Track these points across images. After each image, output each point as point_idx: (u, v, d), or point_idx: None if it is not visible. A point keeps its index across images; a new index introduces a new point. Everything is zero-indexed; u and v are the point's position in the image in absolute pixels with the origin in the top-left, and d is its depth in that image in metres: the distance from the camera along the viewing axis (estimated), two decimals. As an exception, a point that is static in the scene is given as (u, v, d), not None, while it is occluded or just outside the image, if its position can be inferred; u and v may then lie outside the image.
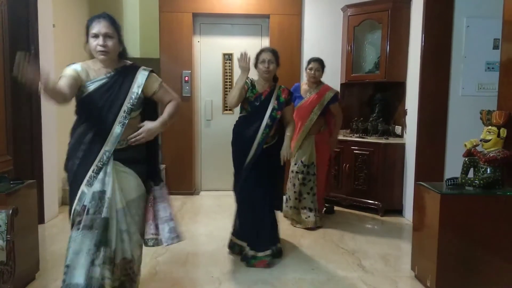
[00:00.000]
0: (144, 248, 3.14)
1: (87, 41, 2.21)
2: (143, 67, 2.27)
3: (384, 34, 4.36)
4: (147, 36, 6.78)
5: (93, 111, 2.15)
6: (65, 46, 4.63)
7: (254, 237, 3.06)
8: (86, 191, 2.11)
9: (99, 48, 2.14)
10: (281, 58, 5.11)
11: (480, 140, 2.67)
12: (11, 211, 2.17)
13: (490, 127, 2.64)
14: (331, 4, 4.91)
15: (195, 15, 5.01)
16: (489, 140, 2.62)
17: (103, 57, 2.17)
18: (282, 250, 3.25)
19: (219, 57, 5.21)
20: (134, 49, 7.04)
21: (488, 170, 2.59)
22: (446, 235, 2.49)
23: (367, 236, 3.70)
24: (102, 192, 2.10)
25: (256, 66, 3.13)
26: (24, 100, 3.72)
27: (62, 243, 3.44)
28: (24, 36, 3.69)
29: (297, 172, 3.86)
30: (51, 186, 4.07)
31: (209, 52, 5.20)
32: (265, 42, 5.13)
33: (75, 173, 2.19)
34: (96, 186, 2.10)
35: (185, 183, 5.07)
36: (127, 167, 2.18)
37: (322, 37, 4.99)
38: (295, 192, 3.89)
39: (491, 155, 2.57)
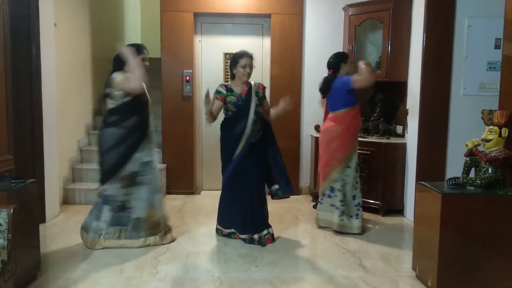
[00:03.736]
0: (145, 248, 3.19)
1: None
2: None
3: (385, 33, 4.35)
4: (148, 36, 6.79)
5: (141, 105, 3.32)
6: (66, 45, 4.63)
7: (245, 222, 3.43)
8: (138, 156, 3.28)
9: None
10: (282, 58, 5.15)
11: (482, 140, 2.66)
12: (12, 210, 2.17)
13: (491, 126, 2.63)
14: (333, 3, 4.91)
15: (196, 14, 5.01)
16: (490, 140, 2.61)
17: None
18: (274, 235, 3.53)
19: (220, 57, 5.20)
20: (135, 49, 7.05)
21: (490, 170, 2.59)
22: (447, 235, 2.49)
23: (368, 236, 3.70)
24: (149, 162, 3.33)
25: (233, 68, 3.46)
26: (25, 100, 3.72)
27: (64, 242, 3.45)
28: (26, 36, 3.69)
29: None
30: (52, 185, 4.08)
31: (211, 52, 5.20)
32: (267, 42, 5.13)
33: (130, 149, 3.26)
34: (145, 157, 3.31)
35: (186, 183, 5.07)
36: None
37: (323, 36, 4.98)
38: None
39: (493, 155, 2.57)
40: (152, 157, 3.38)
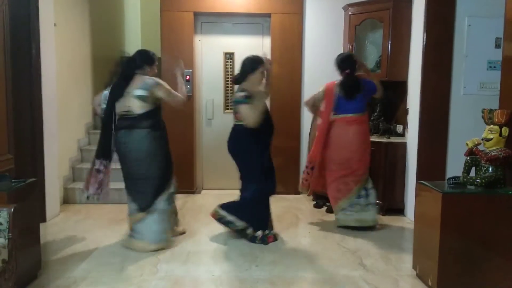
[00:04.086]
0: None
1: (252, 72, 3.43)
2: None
3: (385, 33, 4.35)
4: (148, 35, 6.78)
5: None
6: (66, 45, 4.63)
7: (263, 219, 3.53)
8: None
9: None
10: (282, 57, 5.15)
11: (482, 139, 2.66)
12: (12, 209, 2.17)
13: (492, 126, 2.63)
14: (333, 3, 4.91)
15: (196, 14, 5.01)
16: (491, 139, 2.61)
17: None
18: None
19: (220, 56, 5.21)
20: (135, 48, 7.03)
21: (490, 169, 2.59)
22: (447, 234, 2.49)
23: (369, 235, 3.70)
24: None
25: (250, 73, 3.41)
26: (25, 99, 3.72)
27: (64, 241, 3.45)
28: (26, 35, 3.69)
29: None
30: (53, 184, 4.08)
31: (211, 51, 5.20)
32: (267, 41, 5.13)
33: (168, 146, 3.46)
34: None
35: (186, 182, 5.07)
36: None
37: (323, 36, 4.98)
38: None
39: (493, 154, 2.57)
40: None
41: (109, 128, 3.28)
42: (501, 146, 2.60)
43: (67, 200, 4.60)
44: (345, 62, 3.74)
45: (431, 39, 3.89)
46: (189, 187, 5.10)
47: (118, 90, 3.25)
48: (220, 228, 3.76)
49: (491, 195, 2.54)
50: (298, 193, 5.10)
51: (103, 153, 3.28)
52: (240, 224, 3.47)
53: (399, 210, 4.34)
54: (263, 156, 3.45)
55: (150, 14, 6.64)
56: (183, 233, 3.63)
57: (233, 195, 3.70)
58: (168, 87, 3.30)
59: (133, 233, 3.29)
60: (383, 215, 4.27)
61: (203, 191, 5.29)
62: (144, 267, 2.95)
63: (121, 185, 3.37)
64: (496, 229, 2.52)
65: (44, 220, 3.86)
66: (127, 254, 3.17)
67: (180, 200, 4.79)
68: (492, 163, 2.57)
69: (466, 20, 3.86)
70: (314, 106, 3.97)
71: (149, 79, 3.25)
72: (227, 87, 5.26)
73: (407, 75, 4.34)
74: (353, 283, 2.76)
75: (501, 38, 3.13)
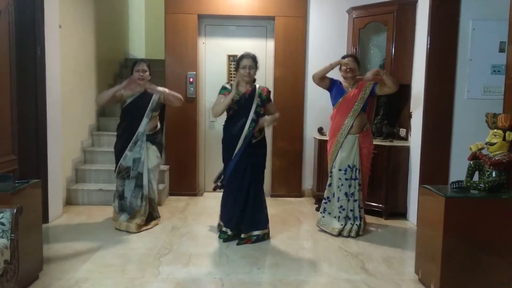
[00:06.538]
0: (147, 249, 3.22)
1: (131, 74, 3.80)
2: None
3: (389, 36, 4.34)
4: (152, 37, 6.82)
5: (132, 112, 3.79)
6: (71, 47, 4.65)
7: (240, 222, 3.53)
8: (128, 154, 3.75)
9: (139, 77, 3.77)
10: (285, 60, 5.13)
11: (486, 144, 2.65)
12: (15, 210, 2.18)
13: (495, 130, 2.62)
14: (336, 6, 4.91)
15: (200, 16, 5.02)
16: (494, 144, 2.60)
17: (142, 82, 3.79)
18: (269, 234, 3.63)
19: (224, 59, 5.21)
20: (139, 50, 7.08)
21: (493, 173, 2.58)
22: (450, 239, 2.48)
23: (371, 239, 3.69)
24: (139, 158, 3.76)
25: (237, 70, 3.57)
26: (30, 101, 3.73)
27: (66, 242, 3.46)
28: (31, 37, 3.70)
29: (346, 179, 3.70)
30: (56, 185, 4.09)
31: (214, 54, 5.20)
32: (270, 44, 5.13)
33: (121, 145, 3.79)
34: (135, 154, 3.76)
35: (189, 184, 5.07)
36: (153, 145, 3.83)
37: (327, 39, 4.98)
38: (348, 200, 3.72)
39: (497, 158, 2.56)
40: (140, 155, 3.89)
41: None
42: (505, 150, 2.59)
43: (70, 201, 4.61)
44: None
45: (435, 43, 3.88)
46: (192, 189, 5.10)
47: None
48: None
49: (494, 199, 2.53)
50: (300, 195, 5.10)
51: None
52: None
53: (402, 214, 4.32)
54: (230, 149, 3.63)
55: (155, 17, 6.67)
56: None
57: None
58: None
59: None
60: (385, 219, 4.26)
61: (206, 193, 5.28)
62: (146, 269, 2.95)
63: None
64: (499, 234, 2.50)
65: (46, 221, 3.86)
66: (129, 256, 3.17)
67: (183, 202, 4.80)
68: (496, 168, 2.56)
69: (471, 23, 3.85)
70: None
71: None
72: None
73: (411, 79, 4.33)
74: (355, 287, 2.75)
75: (505, 42, 3.12)
